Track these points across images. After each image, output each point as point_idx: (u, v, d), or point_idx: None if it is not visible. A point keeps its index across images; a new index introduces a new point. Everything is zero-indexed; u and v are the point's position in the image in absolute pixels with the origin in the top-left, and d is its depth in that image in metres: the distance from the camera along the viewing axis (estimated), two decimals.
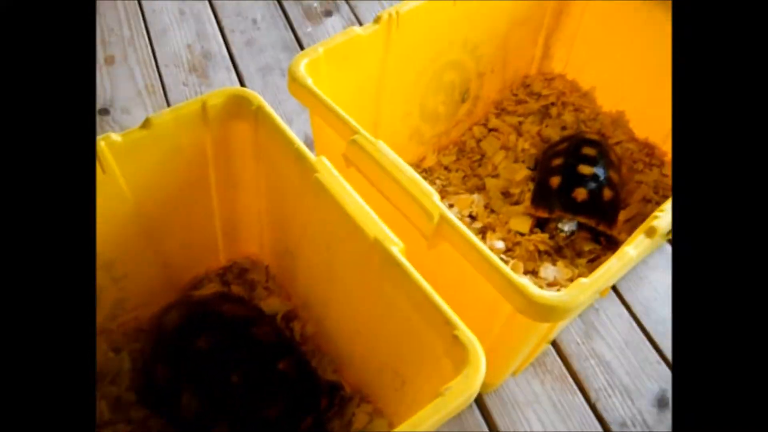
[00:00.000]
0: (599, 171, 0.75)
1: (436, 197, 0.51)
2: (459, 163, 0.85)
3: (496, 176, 0.83)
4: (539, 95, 0.92)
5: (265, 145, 0.58)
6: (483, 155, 0.86)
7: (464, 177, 0.84)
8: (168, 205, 0.61)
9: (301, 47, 1.03)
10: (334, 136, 0.58)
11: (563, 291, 0.47)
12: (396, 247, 0.46)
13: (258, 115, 0.57)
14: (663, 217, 0.52)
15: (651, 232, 0.51)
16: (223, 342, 0.65)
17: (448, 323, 0.43)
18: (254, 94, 0.57)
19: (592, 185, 0.74)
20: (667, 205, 0.53)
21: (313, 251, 0.60)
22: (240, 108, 0.57)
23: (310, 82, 0.59)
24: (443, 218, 0.50)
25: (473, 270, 0.49)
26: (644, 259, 0.81)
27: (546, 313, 0.46)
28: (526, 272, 0.73)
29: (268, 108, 0.56)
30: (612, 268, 0.49)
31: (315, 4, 1.11)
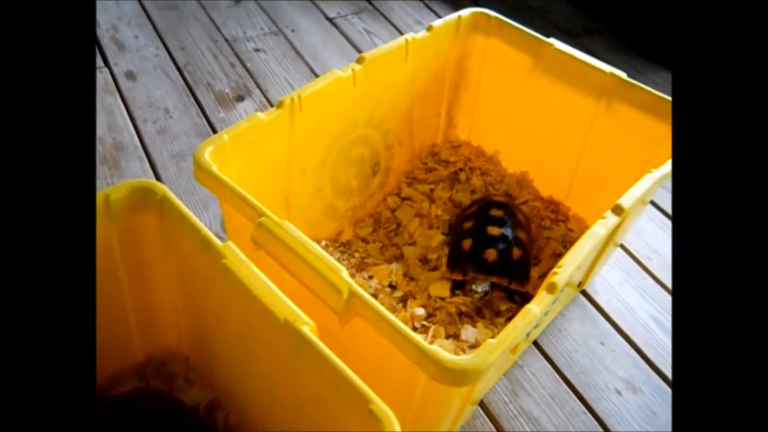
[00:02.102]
0: (507, 231, 0.78)
1: (345, 273, 0.52)
2: (376, 234, 0.87)
3: (412, 244, 0.85)
4: (447, 162, 0.96)
5: (173, 234, 0.58)
6: (399, 224, 0.88)
7: (382, 247, 0.85)
8: None
9: (215, 132, 1.04)
10: (243, 220, 0.58)
11: (472, 354, 0.48)
12: (306, 327, 0.47)
13: (163, 205, 0.57)
14: (561, 273, 0.54)
15: (551, 288, 0.53)
16: None
17: (362, 398, 0.43)
18: (159, 184, 0.57)
19: (501, 246, 0.77)
20: (565, 261, 0.56)
21: (228, 338, 0.59)
22: (145, 199, 0.57)
23: (215, 168, 0.59)
24: (352, 293, 0.51)
25: (387, 342, 0.50)
26: (561, 312, 0.84)
27: (458, 377, 0.47)
28: (448, 336, 0.74)
29: (173, 197, 0.56)
30: (518, 326, 0.50)
31: (226, 90, 1.13)
